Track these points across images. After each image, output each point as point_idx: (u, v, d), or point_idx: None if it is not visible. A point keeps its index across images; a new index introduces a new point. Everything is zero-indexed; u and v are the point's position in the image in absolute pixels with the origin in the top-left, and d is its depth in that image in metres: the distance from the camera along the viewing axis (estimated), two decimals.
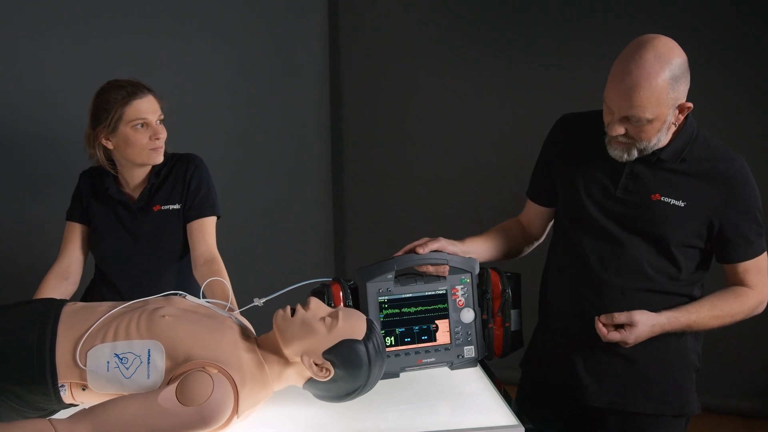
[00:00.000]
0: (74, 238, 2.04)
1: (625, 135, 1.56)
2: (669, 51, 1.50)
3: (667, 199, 1.61)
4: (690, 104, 1.55)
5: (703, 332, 1.73)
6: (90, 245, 2.08)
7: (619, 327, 1.60)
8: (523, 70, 3.37)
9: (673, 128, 1.59)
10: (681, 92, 1.53)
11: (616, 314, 1.59)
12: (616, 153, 1.60)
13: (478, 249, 1.78)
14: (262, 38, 3.29)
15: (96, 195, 2.05)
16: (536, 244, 1.94)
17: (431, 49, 3.53)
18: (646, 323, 1.58)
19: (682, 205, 1.60)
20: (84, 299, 2.10)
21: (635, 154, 1.59)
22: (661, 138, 1.57)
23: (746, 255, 1.64)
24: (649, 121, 1.52)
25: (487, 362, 1.78)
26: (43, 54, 2.40)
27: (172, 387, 1.35)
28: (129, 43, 2.65)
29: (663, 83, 1.48)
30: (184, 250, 2.05)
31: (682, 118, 1.58)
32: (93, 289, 2.12)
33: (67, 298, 1.97)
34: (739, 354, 3.14)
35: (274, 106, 3.38)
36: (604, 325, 1.60)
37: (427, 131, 3.61)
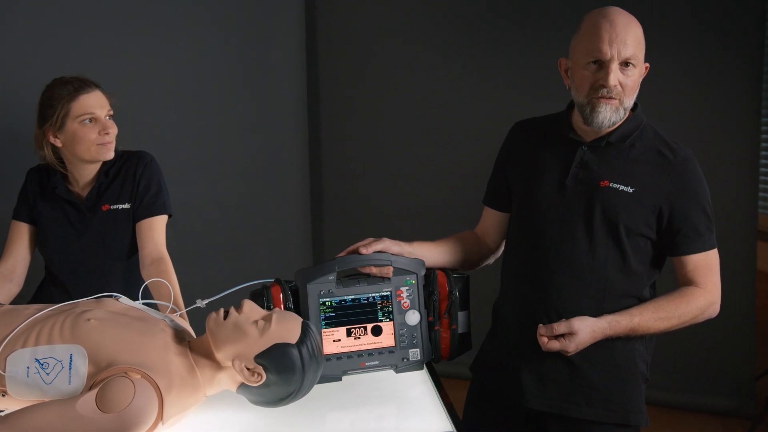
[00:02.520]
0: (20, 237, 2.01)
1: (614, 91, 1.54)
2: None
3: (615, 185, 1.58)
4: (647, 64, 1.59)
5: (653, 340, 1.69)
6: (38, 245, 2.04)
7: (559, 335, 1.55)
8: (505, 67, 3.30)
9: (637, 90, 1.58)
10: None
11: (555, 325, 1.54)
12: (606, 114, 1.55)
13: (426, 254, 1.72)
14: (236, 33, 3.23)
15: (43, 194, 2.01)
16: (492, 258, 1.90)
17: (410, 44, 3.47)
18: (585, 330, 1.53)
19: (631, 191, 1.57)
20: (34, 300, 2.07)
21: (622, 113, 1.57)
22: (633, 98, 1.58)
23: (695, 247, 1.60)
24: (635, 67, 1.54)
25: (434, 365, 1.74)
26: None
27: (92, 393, 1.30)
28: (99, 40, 2.59)
29: (641, 30, 1.55)
30: (133, 249, 2.02)
31: (642, 76, 1.59)
32: (43, 290, 2.09)
33: (10, 299, 1.93)
34: (713, 351, 3.10)
35: (248, 99, 3.32)
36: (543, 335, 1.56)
37: (406, 126, 3.55)
